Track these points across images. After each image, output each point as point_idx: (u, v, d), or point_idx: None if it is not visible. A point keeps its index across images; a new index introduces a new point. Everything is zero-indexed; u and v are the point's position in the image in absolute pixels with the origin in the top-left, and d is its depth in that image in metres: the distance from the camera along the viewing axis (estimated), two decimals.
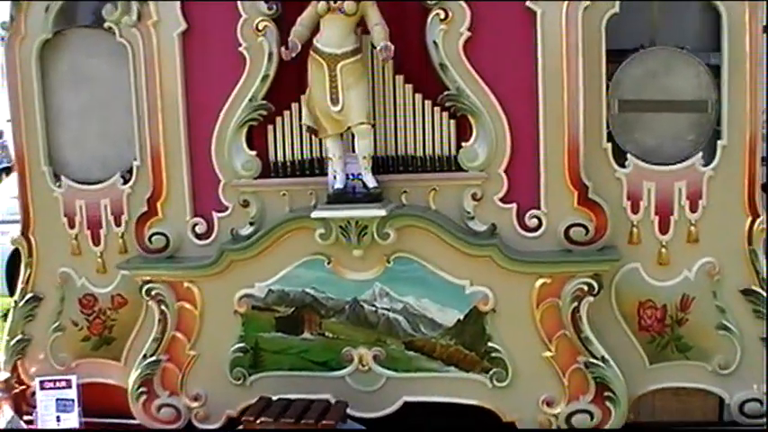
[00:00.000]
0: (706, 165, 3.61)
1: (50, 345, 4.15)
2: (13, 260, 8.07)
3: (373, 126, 3.56)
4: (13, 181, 8.90)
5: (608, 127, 3.64)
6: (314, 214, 3.58)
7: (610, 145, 3.63)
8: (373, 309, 3.72)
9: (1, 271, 8.24)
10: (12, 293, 8.54)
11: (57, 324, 4.14)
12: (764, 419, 3.63)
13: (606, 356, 3.61)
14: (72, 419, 4.04)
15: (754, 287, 3.65)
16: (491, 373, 3.69)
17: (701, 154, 3.63)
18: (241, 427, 3.55)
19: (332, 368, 3.78)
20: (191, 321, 3.87)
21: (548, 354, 3.65)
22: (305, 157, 3.76)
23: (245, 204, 3.78)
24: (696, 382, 3.73)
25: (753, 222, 3.61)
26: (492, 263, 3.60)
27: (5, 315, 8.54)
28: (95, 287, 4.08)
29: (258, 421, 3.48)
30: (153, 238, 3.87)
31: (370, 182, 3.56)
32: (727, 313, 3.66)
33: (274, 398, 3.65)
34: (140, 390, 3.95)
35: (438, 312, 3.68)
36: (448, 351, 3.71)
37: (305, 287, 3.74)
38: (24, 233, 4.12)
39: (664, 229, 3.65)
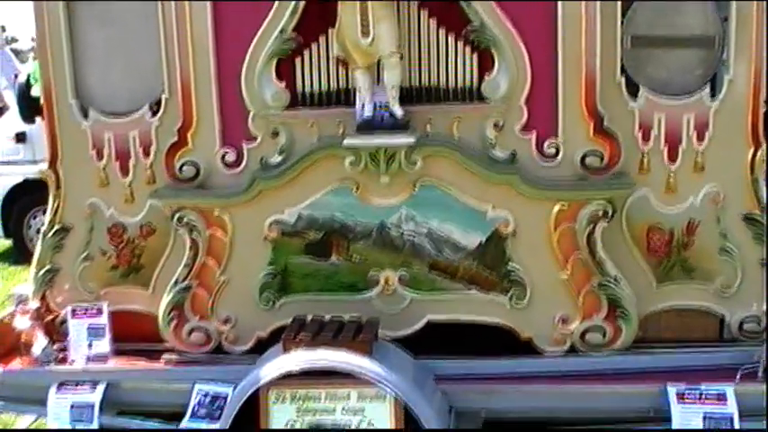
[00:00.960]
0: (713, 97, 3.81)
1: (79, 274, 4.27)
2: (7, 202, 8.20)
3: (402, 57, 3.71)
4: (5, 122, 8.98)
5: (621, 61, 3.82)
6: (346, 142, 3.75)
7: (623, 79, 3.81)
8: (399, 233, 3.90)
9: None
10: (6, 235, 8.67)
11: (85, 254, 4.25)
12: (761, 337, 3.86)
13: (618, 277, 3.83)
14: (103, 345, 4.20)
15: (755, 213, 3.87)
16: (510, 293, 3.90)
17: (708, 88, 3.83)
18: (278, 345, 3.70)
19: (359, 290, 3.96)
20: (221, 248, 4.02)
21: (564, 274, 3.86)
22: (332, 88, 3.90)
23: (275, 134, 3.92)
24: (699, 302, 3.96)
25: (755, 152, 3.83)
26: (512, 189, 3.80)
27: (1, 256, 8.69)
28: (124, 217, 4.20)
29: (297, 338, 3.64)
30: (183, 168, 4.00)
31: (398, 111, 3.73)
32: (730, 238, 3.88)
33: (308, 318, 3.80)
34: (171, 315, 4.10)
35: (461, 236, 3.88)
36: (470, 273, 3.90)
37: (333, 213, 3.91)
38: (52, 166, 4.21)
39: (672, 158, 3.86)
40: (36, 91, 7.80)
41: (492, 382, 3.81)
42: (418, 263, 3.92)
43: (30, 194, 8.24)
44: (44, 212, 7.85)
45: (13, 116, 8.59)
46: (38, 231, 8.14)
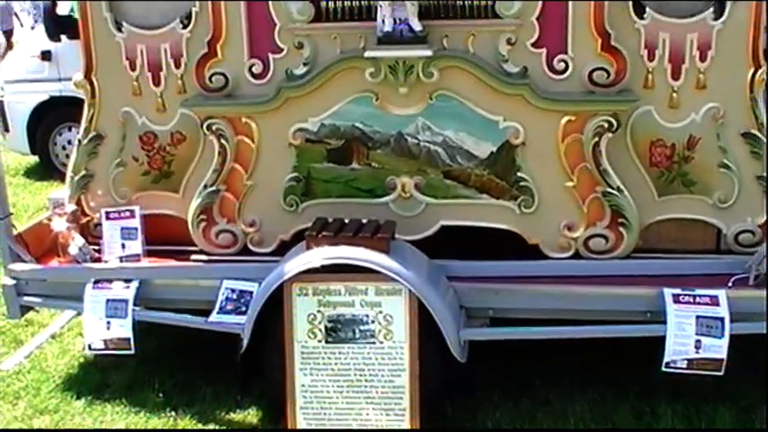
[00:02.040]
0: (716, 19, 3.99)
1: (112, 180, 4.53)
2: (33, 119, 8.45)
3: None
4: (32, 39, 9.21)
5: None
6: (367, 54, 3.99)
7: None
8: (416, 141, 4.15)
9: (22, 129, 8.55)
10: (33, 151, 8.96)
11: (118, 160, 4.51)
12: (756, 249, 4.09)
13: (621, 187, 4.06)
14: (136, 246, 4.49)
15: (753, 130, 4.07)
16: (519, 200, 4.15)
17: (712, 8, 4.00)
18: (302, 243, 3.97)
19: (377, 195, 4.23)
20: (248, 154, 4.28)
21: (570, 183, 4.11)
22: (354, 3, 4.10)
23: (299, 46, 4.14)
24: (698, 214, 4.18)
25: (755, 72, 4.00)
26: (523, 101, 4.03)
27: (27, 172, 8.99)
28: (155, 125, 4.44)
29: (320, 236, 3.92)
30: (213, 78, 4.23)
31: (417, 26, 3.95)
32: (729, 153, 4.08)
33: (330, 219, 4.07)
34: (200, 217, 4.38)
35: (474, 145, 4.12)
36: (481, 180, 4.15)
37: (354, 122, 4.16)
38: (87, 76, 4.44)
39: (675, 75, 4.05)
40: (62, 9, 8.02)
41: (500, 283, 4.08)
42: (433, 170, 4.17)
43: (55, 112, 8.45)
44: (70, 129, 8.26)
45: (39, 34, 8.72)
46: (63, 148, 8.52)
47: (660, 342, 3.81)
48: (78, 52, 4.47)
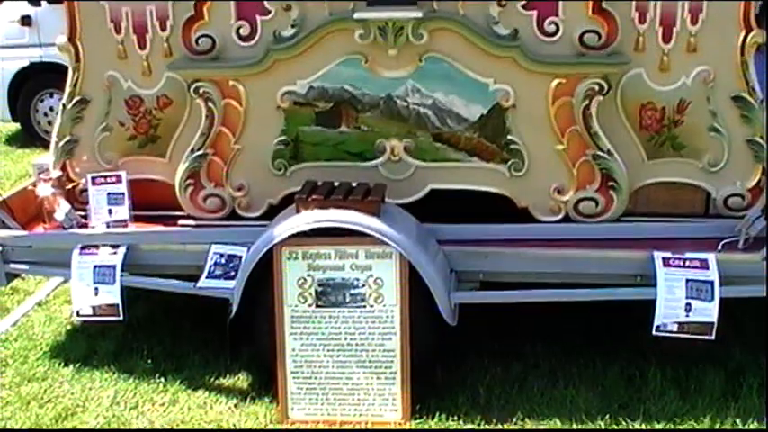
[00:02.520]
0: None
1: (98, 145, 4.48)
2: (13, 86, 8.35)
3: None
4: (11, 3, 9.08)
5: None
6: (356, 15, 3.95)
7: None
8: (405, 104, 4.13)
9: (3, 96, 8.46)
10: (14, 119, 8.87)
11: (104, 125, 4.45)
12: (745, 213, 4.10)
13: (611, 150, 4.06)
14: (123, 211, 4.43)
15: (743, 94, 4.06)
16: (509, 163, 4.14)
17: None
18: (291, 207, 3.96)
19: (366, 158, 4.21)
20: (236, 117, 4.24)
21: (560, 146, 4.10)
22: None
23: (288, 8, 4.09)
24: (688, 178, 4.19)
25: (746, 36, 3.99)
26: (514, 63, 4.01)
27: (9, 140, 8.91)
28: (141, 89, 4.38)
29: (309, 199, 3.90)
30: (200, 41, 4.18)
31: None
32: (718, 117, 4.08)
33: (319, 183, 4.06)
34: (188, 182, 4.35)
35: (464, 107, 4.10)
36: (471, 143, 4.14)
37: (343, 84, 4.12)
38: (71, 39, 4.36)
39: (666, 38, 4.04)
40: None
41: (490, 246, 4.09)
42: (423, 133, 4.16)
43: (36, 78, 8.36)
44: (51, 96, 8.17)
45: None
46: (45, 115, 8.44)
47: (650, 306, 3.84)
48: (59, 17, 4.40)
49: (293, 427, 3.97)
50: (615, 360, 4.35)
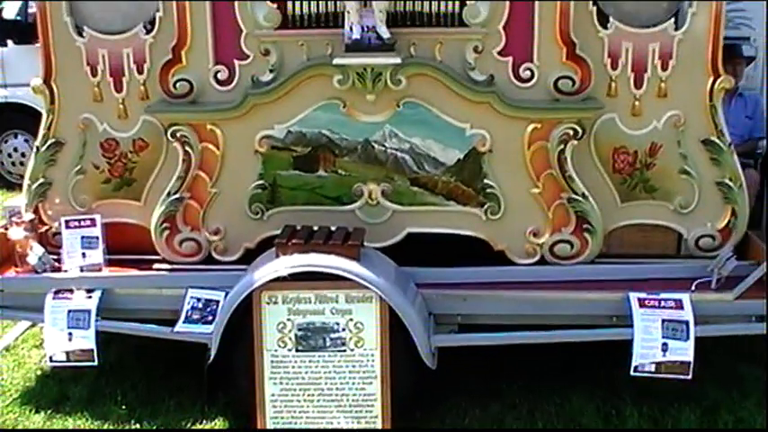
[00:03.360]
0: (677, 29, 4.10)
1: (72, 187, 4.46)
2: None
3: None
4: None
5: None
6: (336, 61, 4.00)
7: (595, 8, 4.10)
8: (383, 148, 4.18)
9: None
10: None
11: (78, 167, 4.44)
12: (715, 253, 4.20)
13: (586, 193, 4.15)
14: (97, 255, 4.41)
15: (712, 137, 4.19)
16: (486, 206, 4.21)
17: (672, 20, 4.12)
18: (270, 251, 3.98)
19: (343, 203, 4.25)
20: (213, 161, 4.26)
21: (536, 190, 4.18)
22: (321, 10, 4.12)
23: (266, 53, 4.15)
24: (660, 219, 4.29)
25: (714, 81, 4.13)
26: (490, 108, 4.09)
27: None
28: (117, 132, 4.39)
29: (290, 243, 3.93)
30: (177, 84, 4.21)
31: (385, 33, 3.98)
32: (689, 159, 4.20)
33: (298, 227, 4.08)
34: (164, 225, 4.35)
35: (441, 152, 4.17)
36: (448, 187, 4.20)
37: (321, 129, 4.17)
38: (46, 81, 4.36)
39: (638, 84, 4.16)
40: (9, 12, 7.85)
41: (467, 289, 4.14)
42: (400, 177, 4.22)
43: (1, 118, 8.28)
44: (16, 136, 8.09)
45: None
46: (9, 156, 8.36)
47: (624, 344, 3.91)
48: (25, 57, 4.38)
49: None
50: (592, 398, 4.40)
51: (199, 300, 4.18)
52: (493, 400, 4.40)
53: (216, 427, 4.28)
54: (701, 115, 4.16)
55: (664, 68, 4.13)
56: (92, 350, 4.19)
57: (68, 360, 4.22)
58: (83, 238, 4.42)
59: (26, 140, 8.05)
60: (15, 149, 8.35)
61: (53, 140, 4.42)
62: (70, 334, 4.21)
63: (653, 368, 3.89)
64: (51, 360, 4.24)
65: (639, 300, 3.95)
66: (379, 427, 3.91)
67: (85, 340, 4.19)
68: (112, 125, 4.38)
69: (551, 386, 4.48)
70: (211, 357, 3.98)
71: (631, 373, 3.87)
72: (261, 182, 4.25)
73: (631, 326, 3.91)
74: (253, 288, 3.88)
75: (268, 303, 3.89)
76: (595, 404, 4.36)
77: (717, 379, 4.43)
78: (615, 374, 4.30)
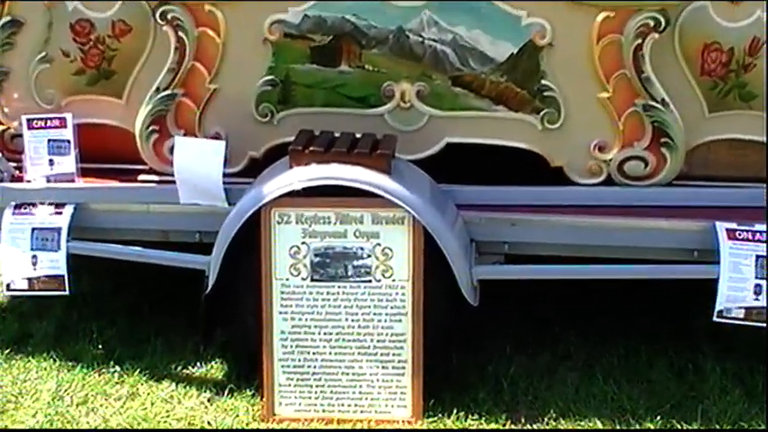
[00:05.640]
0: None
1: (35, 79, 4.58)
2: None
3: None
4: None
5: None
6: None
7: None
8: (419, 39, 4.29)
9: None
10: None
11: (42, 54, 4.53)
12: None
13: (666, 99, 4.24)
14: (68, 163, 4.55)
15: None
16: (542, 113, 4.34)
17: None
18: (282, 160, 4.15)
19: (370, 105, 4.39)
20: (212, 50, 4.38)
21: (604, 94, 4.29)
22: None
23: None
24: (757, 135, 4.36)
25: None
26: None
27: None
28: (92, 11, 4.47)
29: (306, 151, 4.09)
30: None
31: None
32: None
33: (315, 132, 4.24)
34: (151, 128, 4.49)
35: (490, 45, 4.28)
36: (497, 88, 4.33)
37: (345, 13, 4.27)
38: None
39: None
40: None
41: (517, 212, 4.34)
42: (440, 75, 4.35)
43: None
44: None
45: None
46: None
47: (706, 286, 4.07)
48: None
49: (281, 426, 4.20)
50: (663, 351, 4.65)
51: None
52: (543, 348, 4.66)
53: (212, 371, 4.54)
54: None
55: None
56: (62, 277, 4.40)
57: (31, 289, 4.43)
58: (50, 141, 4.56)
59: None
60: None
61: (8, 19, 4.48)
62: (35, 257, 4.41)
63: (741, 314, 4.04)
64: (9, 289, 4.44)
65: (728, 231, 4.09)
66: (408, 372, 4.13)
67: (54, 264, 4.39)
68: (86, 3, 4.46)
69: (614, 334, 4.72)
70: (209, 287, 4.17)
71: (714, 318, 4.04)
72: (270, 77, 4.39)
73: (717, 262, 4.07)
74: (261, 204, 4.06)
75: (279, 223, 4.08)
76: (668, 357, 4.60)
77: None
78: (692, 322, 4.55)
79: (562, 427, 4.16)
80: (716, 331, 4.32)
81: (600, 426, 4.15)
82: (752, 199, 4.37)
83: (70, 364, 4.57)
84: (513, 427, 4.15)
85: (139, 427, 4.15)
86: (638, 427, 4.12)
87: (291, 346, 4.21)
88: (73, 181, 4.57)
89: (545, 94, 4.35)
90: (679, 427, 4.11)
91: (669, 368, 4.54)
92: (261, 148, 4.52)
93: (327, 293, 4.17)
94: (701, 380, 4.45)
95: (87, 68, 4.59)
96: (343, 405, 4.24)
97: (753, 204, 4.33)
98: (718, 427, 4.10)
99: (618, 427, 4.14)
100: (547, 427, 4.16)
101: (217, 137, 4.51)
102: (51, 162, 4.58)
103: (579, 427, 4.15)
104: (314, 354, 4.22)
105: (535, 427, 4.16)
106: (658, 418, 4.17)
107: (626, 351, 4.64)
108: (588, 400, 4.31)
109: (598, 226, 4.30)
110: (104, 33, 4.52)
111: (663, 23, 4.18)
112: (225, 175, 4.44)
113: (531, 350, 4.63)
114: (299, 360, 4.23)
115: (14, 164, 4.64)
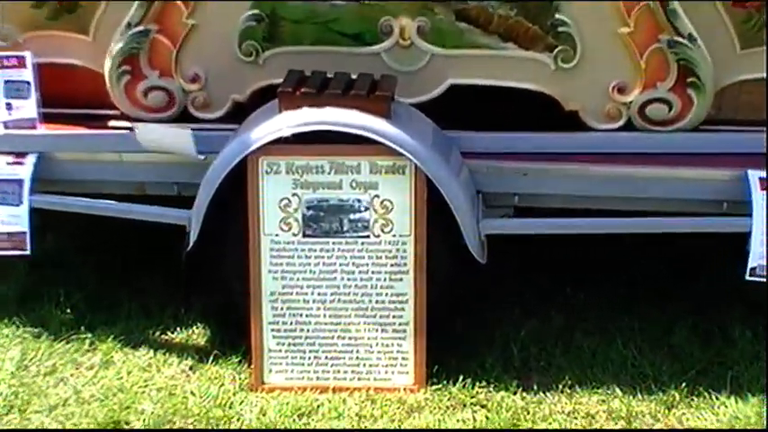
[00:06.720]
0: None
1: None
2: None
3: None
4: None
5: None
6: None
7: None
8: None
9: None
10: None
11: None
12: None
13: (694, 34, 4.26)
14: (28, 107, 4.57)
15: None
16: (556, 51, 4.37)
17: None
18: (270, 104, 4.19)
19: (366, 42, 4.41)
20: None
21: (624, 29, 4.32)
22: None
23: None
24: None
25: None
26: None
27: None
28: None
29: (297, 93, 4.12)
30: None
31: None
32: None
33: (306, 73, 4.25)
34: (122, 69, 4.51)
35: None
36: (507, 23, 4.35)
37: None
38: None
39: None
40: None
41: (528, 161, 4.40)
42: (442, 9, 4.37)
43: None
44: None
45: None
46: None
47: (738, 241, 4.14)
48: None
49: (271, 395, 4.25)
50: (686, 314, 4.73)
51: None
52: (555, 310, 4.75)
53: (194, 336, 4.62)
54: None
55: None
56: (24, 233, 4.44)
57: None
58: (7, 83, 4.56)
59: None
60: None
61: None
62: None
63: None
64: None
65: (761, 180, 4.14)
66: (410, 334, 4.20)
67: (15, 220, 4.43)
68: None
69: (633, 297, 4.81)
70: (190, 244, 4.23)
71: (746, 277, 4.11)
72: (255, 12, 4.40)
73: (749, 215, 4.13)
74: (247, 152, 4.10)
75: (268, 173, 4.14)
76: (692, 320, 4.67)
77: None
78: (718, 282, 4.64)
79: (578, 394, 4.24)
80: (745, 291, 4.36)
81: (620, 393, 4.23)
82: None
83: (35, 330, 4.63)
84: (525, 396, 4.22)
85: (115, 398, 4.19)
86: (661, 394, 4.21)
87: (282, 308, 4.27)
88: (34, 128, 4.59)
89: (559, 29, 4.38)
90: (707, 394, 4.19)
91: (693, 332, 4.61)
92: (246, 91, 4.55)
93: (321, 250, 4.22)
94: (729, 345, 4.52)
95: (47, 1, 4.56)
96: (338, 372, 4.31)
97: None
98: (749, 394, 4.18)
99: (639, 396, 4.20)
100: (561, 396, 4.23)
101: (196, 78, 4.55)
102: (9, 106, 4.59)
103: (597, 394, 4.23)
104: (306, 316, 4.28)
105: (548, 395, 4.23)
106: (683, 384, 4.25)
107: (645, 314, 4.72)
108: (606, 366, 4.40)
109: (617, 175, 4.37)
110: None
111: None
112: (206, 121, 4.52)
113: (541, 313, 4.72)
114: (291, 323, 4.29)
115: None
